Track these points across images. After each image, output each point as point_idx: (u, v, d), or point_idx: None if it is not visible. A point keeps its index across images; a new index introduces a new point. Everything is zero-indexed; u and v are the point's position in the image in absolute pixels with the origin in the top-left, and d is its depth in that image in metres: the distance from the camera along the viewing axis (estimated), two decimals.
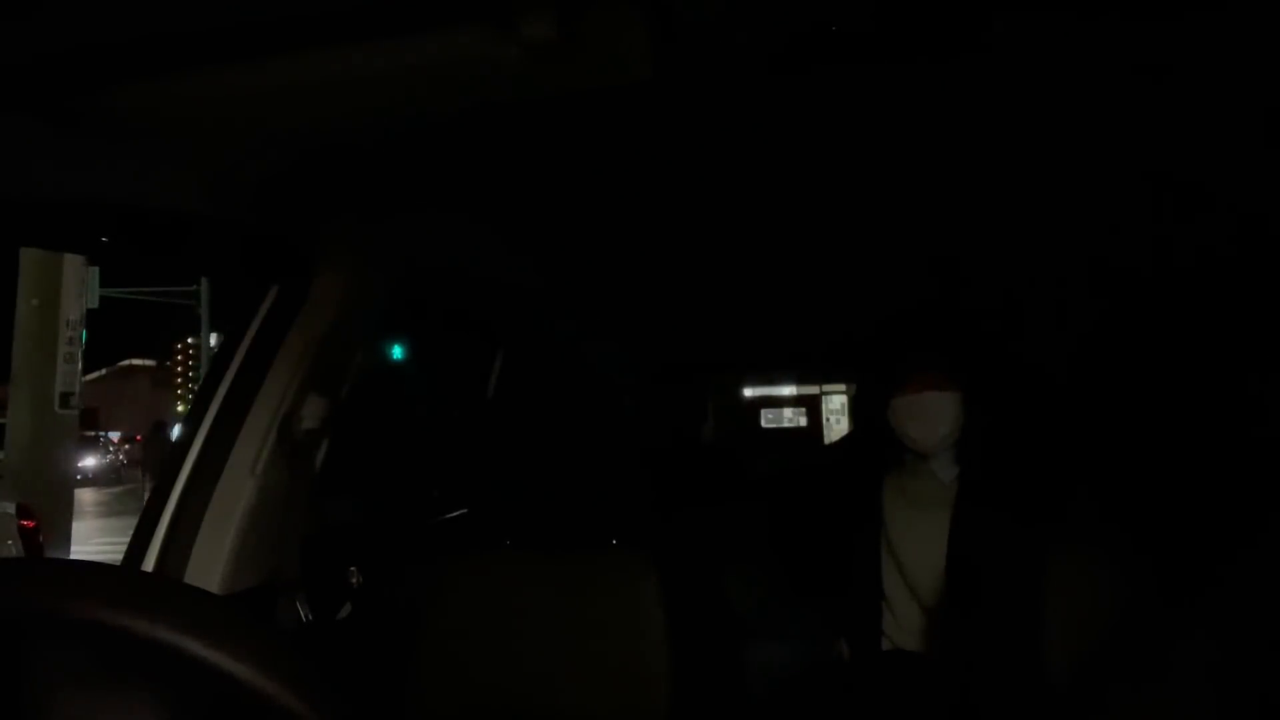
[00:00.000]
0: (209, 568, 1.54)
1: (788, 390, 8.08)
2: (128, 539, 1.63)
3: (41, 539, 5.57)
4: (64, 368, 7.32)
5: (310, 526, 1.83)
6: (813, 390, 8.06)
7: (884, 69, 1.12)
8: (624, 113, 1.24)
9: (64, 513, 7.30)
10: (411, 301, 2.21)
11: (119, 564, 1.70)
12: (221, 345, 1.79)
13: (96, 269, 11.56)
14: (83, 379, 7.74)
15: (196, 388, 1.99)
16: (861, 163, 1.51)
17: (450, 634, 1.60)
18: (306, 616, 1.73)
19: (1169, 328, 2.46)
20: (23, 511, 5.51)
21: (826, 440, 7.79)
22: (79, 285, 7.51)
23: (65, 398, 7.35)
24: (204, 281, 19.83)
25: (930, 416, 2.03)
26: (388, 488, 3.08)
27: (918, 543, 2.07)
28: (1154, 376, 2.45)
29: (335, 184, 1.51)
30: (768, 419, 8.02)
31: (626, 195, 1.67)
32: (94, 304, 11.81)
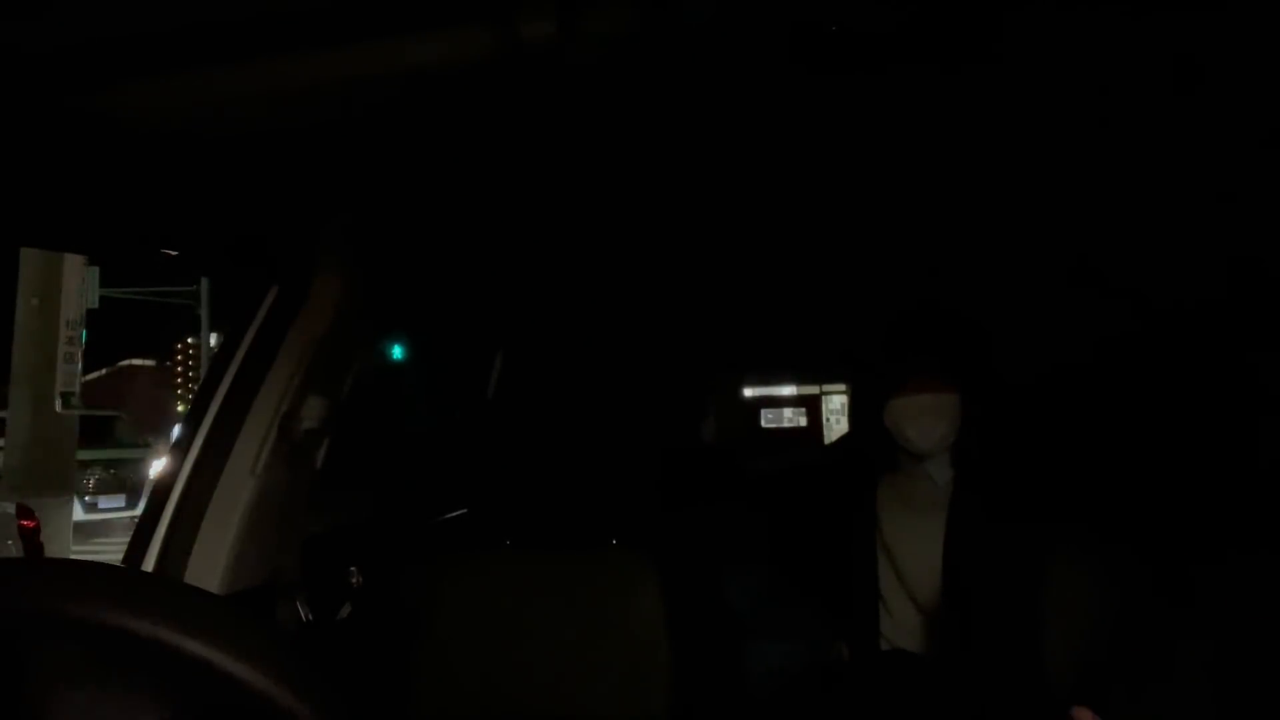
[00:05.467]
0: (209, 568, 1.54)
1: (788, 390, 8.08)
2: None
3: (41, 539, 5.57)
4: (64, 368, 7.32)
5: (311, 527, 1.83)
6: (813, 390, 8.07)
7: (885, 71, 1.12)
8: (624, 113, 1.24)
9: (64, 513, 7.31)
10: (411, 301, 2.21)
11: (119, 564, 1.70)
12: (221, 345, 1.79)
13: (96, 269, 11.57)
14: (83, 379, 7.74)
15: (196, 388, 1.99)
16: (861, 164, 1.52)
17: (450, 634, 1.60)
18: (306, 616, 1.73)
19: (1169, 330, 2.46)
20: (23, 511, 5.52)
21: (826, 440, 7.79)
22: (79, 285, 7.51)
23: (65, 397, 7.35)
24: (204, 281, 19.83)
25: (927, 418, 2.03)
26: (399, 486, 3.08)
27: (913, 544, 2.07)
28: (1153, 378, 2.45)
29: (335, 184, 1.52)
30: (768, 419, 8.02)
31: (627, 195, 1.67)
32: (94, 304, 11.81)
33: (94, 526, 11.04)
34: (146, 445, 12.98)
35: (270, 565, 1.65)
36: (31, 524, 5.48)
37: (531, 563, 1.66)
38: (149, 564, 1.55)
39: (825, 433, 7.94)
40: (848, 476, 2.22)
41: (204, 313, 21.58)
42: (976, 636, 1.85)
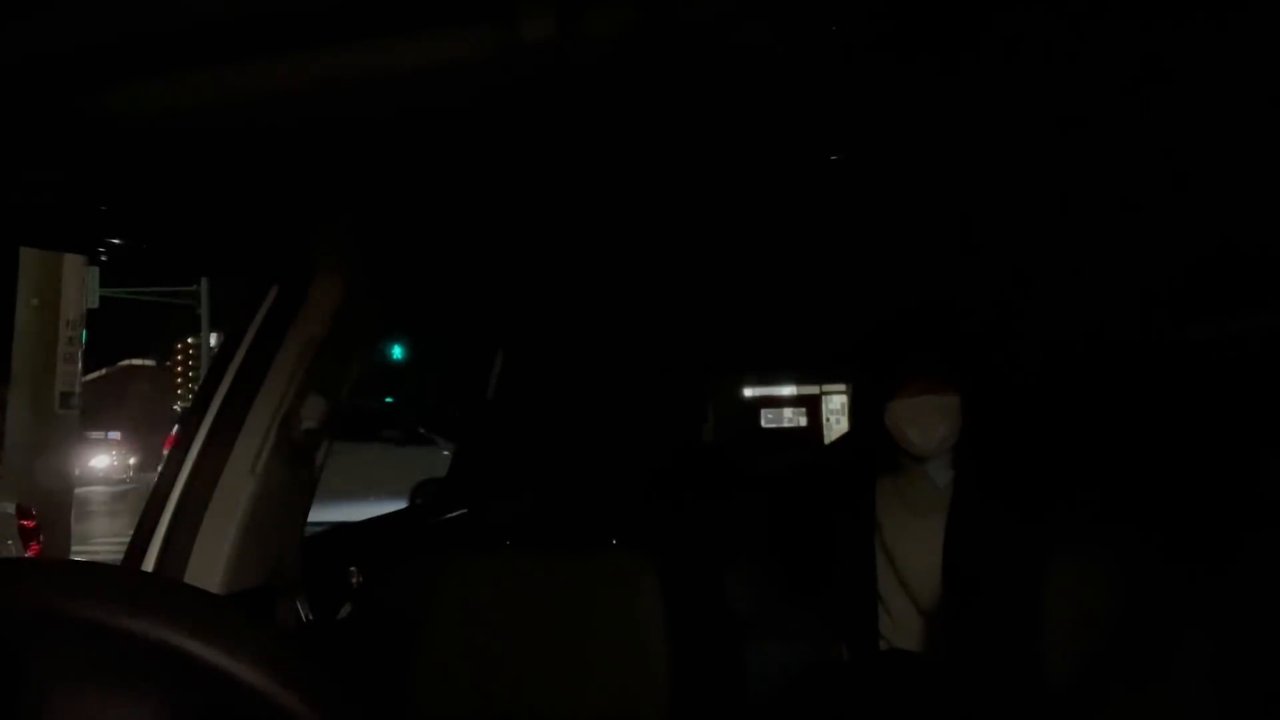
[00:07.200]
0: (209, 568, 1.54)
1: (788, 390, 8.10)
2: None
3: (41, 539, 5.58)
4: (64, 368, 7.31)
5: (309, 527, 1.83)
6: (813, 390, 8.08)
7: (886, 70, 1.12)
8: (625, 113, 1.24)
9: (64, 513, 7.30)
10: (412, 301, 2.21)
11: (119, 564, 1.70)
12: (221, 345, 1.79)
13: (96, 269, 11.57)
14: (83, 379, 7.74)
15: (196, 388, 1.99)
16: (863, 163, 1.51)
17: (450, 634, 1.60)
18: (306, 616, 1.73)
19: (1169, 331, 2.46)
20: (22, 511, 5.52)
21: (826, 440, 7.80)
22: (79, 285, 7.51)
23: (65, 398, 7.35)
24: (204, 281, 19.85)
25: (929, 420, 2.03)
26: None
27: (913, 546, 2.07)
28: (1153, 379, 2.45)
29: (335, 184, 1.52)
30: (768, 419, 8.04)
31: (627, 195, 1.67)
32: (94, 304, 11.81)
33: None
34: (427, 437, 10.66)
35: (270, 565, 1.65)
36: (31, 524, 5.48)
37: (531, 562, 1.67)
38: (149, 564, 1.55)
39: (825, 433, 7.96)
40: (848, 477, 2.22)
41: (204, 313, 21.61)
42: (976, 637, 1.85)
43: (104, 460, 28.45)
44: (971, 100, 1.24)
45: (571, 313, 2.73)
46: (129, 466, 30.12)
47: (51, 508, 6.76)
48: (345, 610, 1.97)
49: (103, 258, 1.54)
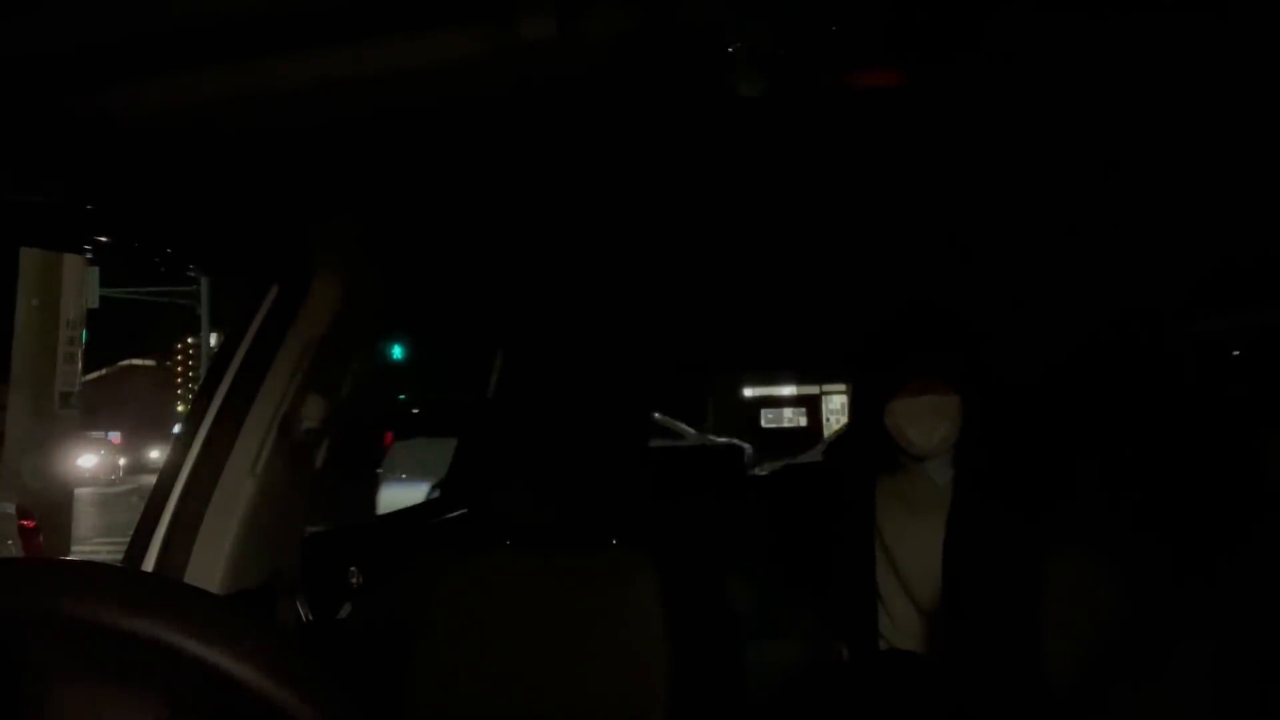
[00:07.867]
0: (209, 568, 1.54)
1: (788, 390, 8.11)
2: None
3: (41, 539, 5.58)
4: (64, 368, 7.33)
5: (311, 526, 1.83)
6: (813, 390, 8.10)
7: (885, 70, 1.12)
8: (624, 112, 1.24)
9: (64, 513, 7.31)
10: (412, 301, 2.21)
11: (119, 564, 1.70)
12: (221, 345, 1.79)
13: (96, 269, 11.58)
14: (83, 379, 7.75)
15: (196, 388, 1.99)
16: (862, 163, 1.52)
17: (449, 633, 1.60)
18: (306, 616, 1.73)
19: (1168, 330, 2.46)
20: (22, 511, 5.52)
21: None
22: (79, 285, 7.52)
23: (65, 398, 7.36)
24: (204, 281, 19.84)
25: (929, 420, 2.02)
26: None
27: (913, 545, 2.07)
28: (1153, 377, 2.45)
29: (335, 183, 1.52)
30: (768, 419, 8.06)
31: (626, 194, 1.67)
32: (94, 304, 11.82)
33: None
34: None
35: (270, 565, 1.65)
36: (31, 524, 5.48)
37: (531, 562, 1.67)
38: (149, 564, 1.55)
39: (825, 433, 7.97)
40: (847, 477, 2.22)
41: (204, 313, 21.62)
42: (976, 637, 1.85)
43: (91, 460, 28.28)
44: (972, 100, 1.24)
45: (571, 312, 2.73)
46: (118, 467, 30.04)
47: (51, 508, 6.76)
48: (345, 610, 1.97)
49: (101, 258, 1.54)
